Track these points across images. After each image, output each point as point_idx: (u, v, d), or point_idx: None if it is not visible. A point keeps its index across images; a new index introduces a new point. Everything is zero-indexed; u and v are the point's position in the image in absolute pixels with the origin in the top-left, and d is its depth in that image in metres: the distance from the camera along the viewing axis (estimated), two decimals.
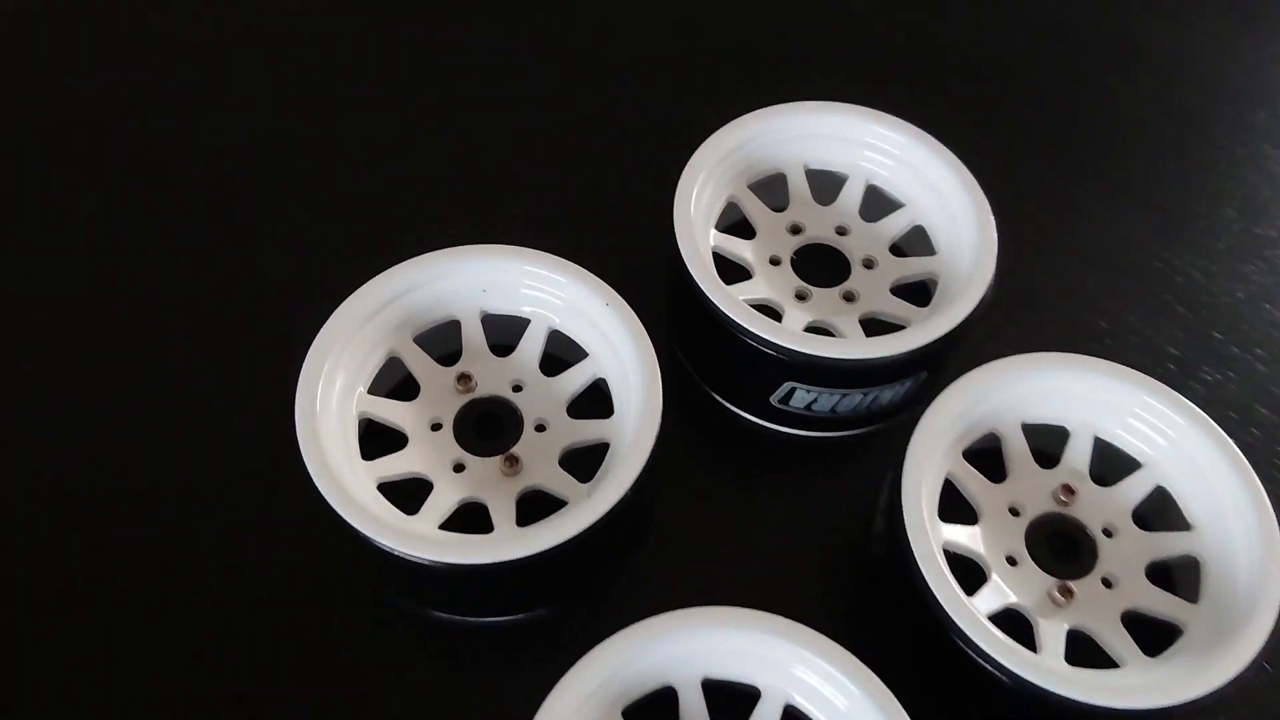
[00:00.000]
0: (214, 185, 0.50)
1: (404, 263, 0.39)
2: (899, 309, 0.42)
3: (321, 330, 0.37)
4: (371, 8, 0.57)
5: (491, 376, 0.39)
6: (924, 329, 0.38)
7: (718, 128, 0.43)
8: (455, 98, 0.53)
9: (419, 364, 0.39)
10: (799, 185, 0.45)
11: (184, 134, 0.51)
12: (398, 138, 0.52)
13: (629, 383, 0.38)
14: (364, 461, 0.37)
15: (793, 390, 0.40)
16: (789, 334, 0.38)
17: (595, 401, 0.39)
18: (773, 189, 0.45)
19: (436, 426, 0.38)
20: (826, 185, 0.45)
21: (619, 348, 0.38)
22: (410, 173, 0.50)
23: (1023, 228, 0.41)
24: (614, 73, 0.55)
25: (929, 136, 0.43)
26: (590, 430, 0.38)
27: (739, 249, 0.43)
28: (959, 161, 0.43)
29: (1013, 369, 0.38)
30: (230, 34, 0.55)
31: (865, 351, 0.38)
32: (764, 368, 0.39)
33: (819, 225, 0.44)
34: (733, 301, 0.38)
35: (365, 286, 0.38)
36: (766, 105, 0.44)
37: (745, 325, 0.38)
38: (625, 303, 0.38)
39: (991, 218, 0.41)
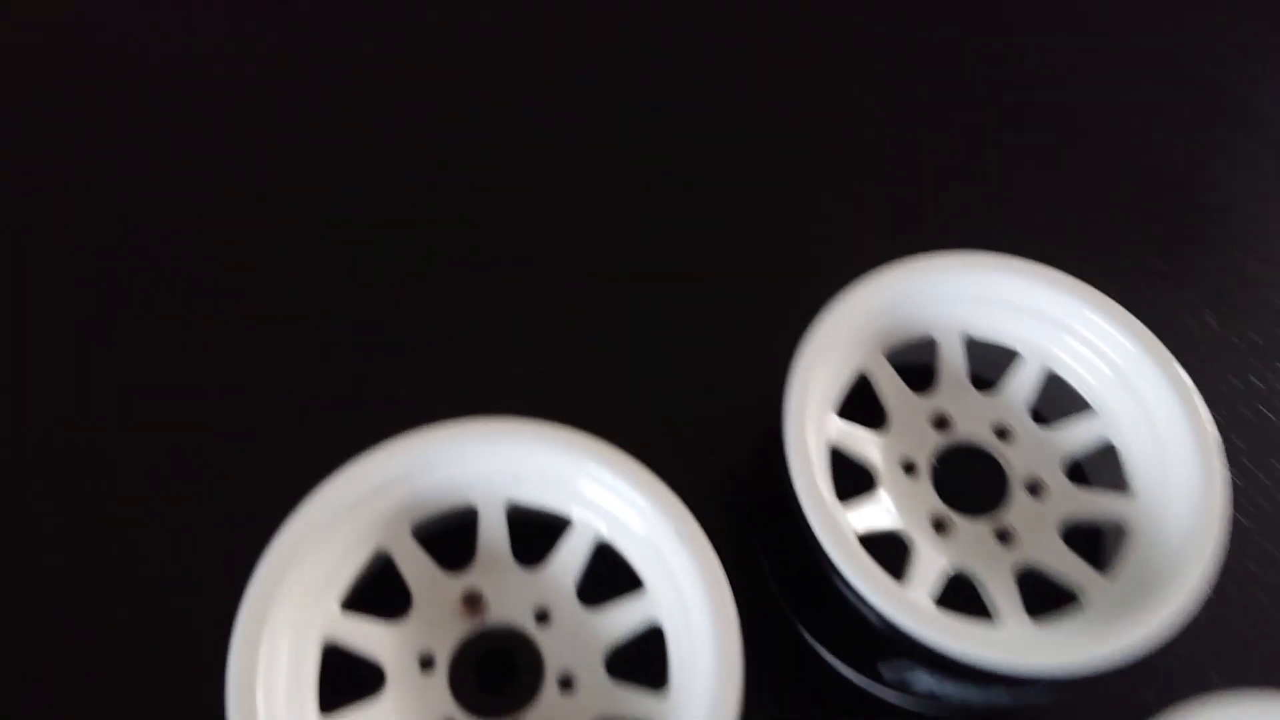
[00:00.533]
0: (163, 309, 0.37)
1: (409, 435, 0.29)
2: (1070, 567, 0.31)
3: (282, 531, 0.27)
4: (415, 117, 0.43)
5: (510, 597, 0.29)
6: (1116, 631, 0.27)
7: (846, 278, 0.32)
8: (499, 222, 0.40)
9: (415, 569, 0.29)
10: (954, 360, 0.33)
11: (139, 242, 0.39)
12: (416, 270, 0.39)
13: (694, 649, 0.27)
14: (320, 719, 0.27)
15: (914, 672, 0.29)
16: (918, 614, 0.27)
17: (645, 657, 0.29)
18: (916, 358, 0.34)
19: (427, 663, 0.28)
20: (991, 365, 0.34)
21: (687, 598, 0.28)
22: (429, 320, 0.38)
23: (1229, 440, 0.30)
24: (714, 205, 0.41)
25: (1142, 326, 0.32)
26: (634, 705, 0.28)
27: (863, 446, 0.32)
28: (1178, 368, 0.31)
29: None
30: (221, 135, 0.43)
31: (1026, 660, 0.27)
32: (880, 641, 0.29)
33: (973, 420, 0.33)
34: (848, 548, 0.28)
35: (350, 469, 0.28)
36: (917, 254, 0.33)
37: (861, 590, 0.27)
38: (706, 542, 0.28)
39: (1222, 462, 0.29)
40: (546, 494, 0.30)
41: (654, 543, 0.29)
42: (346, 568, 0.29)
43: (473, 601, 0.29)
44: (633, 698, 0.28)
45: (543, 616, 0.29)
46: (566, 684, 0.28)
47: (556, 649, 0.29)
